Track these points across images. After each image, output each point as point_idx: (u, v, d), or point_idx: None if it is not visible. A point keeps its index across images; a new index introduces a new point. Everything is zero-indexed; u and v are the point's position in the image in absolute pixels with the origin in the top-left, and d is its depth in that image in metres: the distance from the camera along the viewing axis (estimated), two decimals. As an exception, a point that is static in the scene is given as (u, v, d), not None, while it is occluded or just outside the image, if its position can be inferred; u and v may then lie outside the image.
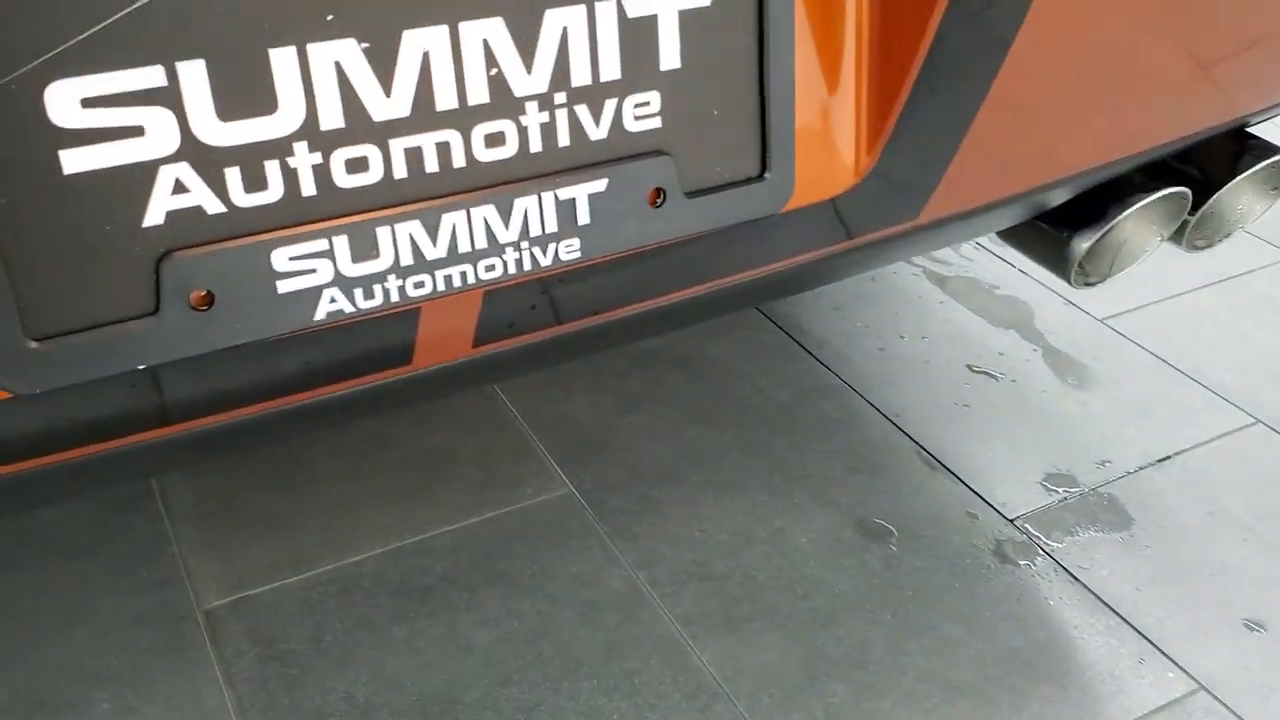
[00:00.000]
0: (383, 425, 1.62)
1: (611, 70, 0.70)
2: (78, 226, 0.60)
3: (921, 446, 1.61)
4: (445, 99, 0.66)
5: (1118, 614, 1.36)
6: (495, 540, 1.44)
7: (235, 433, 0.71)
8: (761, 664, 1.28)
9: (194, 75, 0.60)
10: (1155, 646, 1.32)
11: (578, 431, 1.61)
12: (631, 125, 0.71)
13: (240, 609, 1.34)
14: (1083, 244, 1.14)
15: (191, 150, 0.61)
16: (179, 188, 0.61)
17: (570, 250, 0.71)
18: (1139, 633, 1.33)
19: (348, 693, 1.24)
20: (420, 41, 0.64)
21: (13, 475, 0.63)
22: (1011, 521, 1.49)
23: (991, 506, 1.51)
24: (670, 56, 0.71)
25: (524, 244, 0.70)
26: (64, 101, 0.57)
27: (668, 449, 1.58)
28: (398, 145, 0.66)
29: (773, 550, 1.43)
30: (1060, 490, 1.54)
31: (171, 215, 0.62)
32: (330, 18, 0.62)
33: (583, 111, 0.70)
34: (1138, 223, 1.20)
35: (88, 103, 0.58)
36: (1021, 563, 1.43)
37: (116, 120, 0.59)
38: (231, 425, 0.70)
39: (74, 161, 0.59)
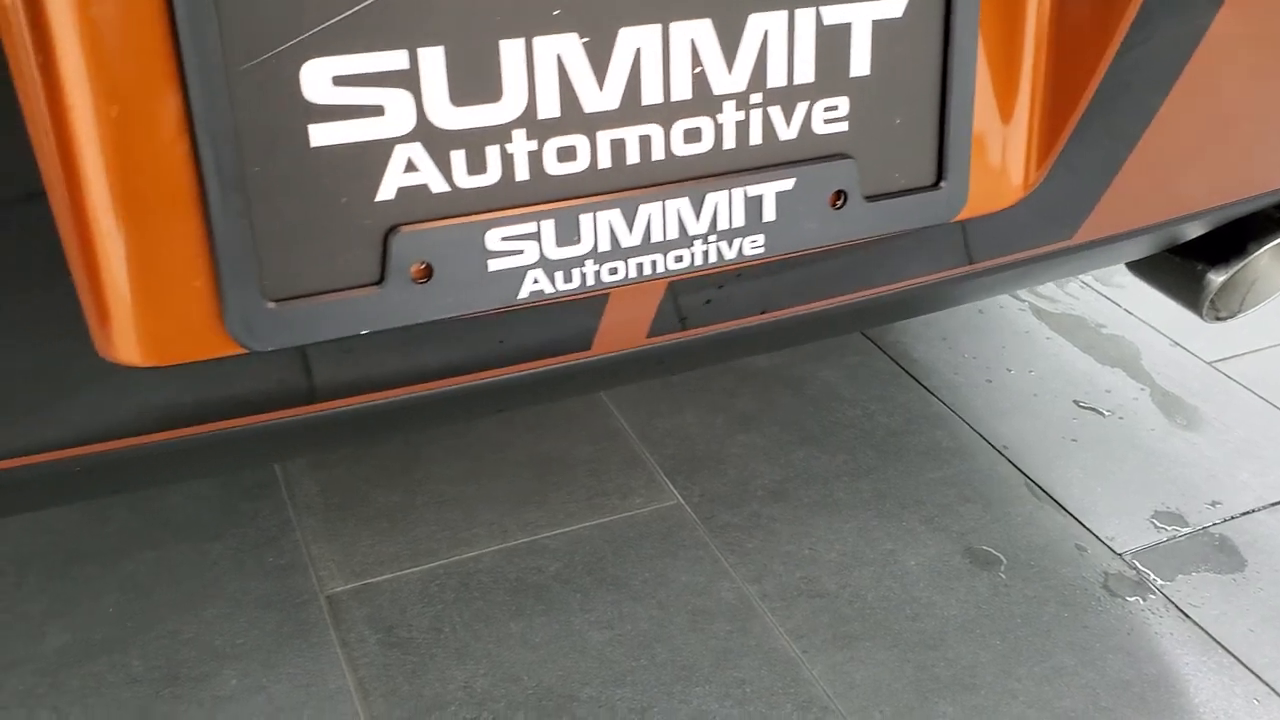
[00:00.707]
0: (496, 430, 1.66)
1: (805, 74, 0.73)
2: (318, 197, 0.64)
3: (1030, 478, 1.61)
4: (651, 94, 0.70)
5: (1231, 653, 1.35)
6: (607, 545, 1.47)
7: (422, 407, 0.75)
8: (872, 680, 1.29)
9: (433, 61, 0.64)
10: (1270, 688, 1.31)
11: (688, 446, 1.64)
12: (820, 128, 0.74)
13: (361, 596, 1.38)
14: (1219, 278, 1.15)
15: (424, 131, 0.65)
16: (410, 166, 0.65)
17: (755, 246, 0.74)
18: (1253, 673, 1.33)
19: (466, 683, 1.27)
20: (634, 38, 0.68)
21: (235, 429, 0.67)
22: (1120, 556, 1.48)
23: (1100, 540, 1.51)
24: (860, 64, 0.74)
25: (712, 237, 0.73)
26: (317, 79, 0.62)
27: (778, 468, 1.60)
28: (604, 136, 0.69)
29: (882, 572, 1.44)
30: (1170, 528, 1.53)
31: (402, 191, 0.66)
32: (556, 12, 0.66)
33: (775, 112, 0.73)
34: (1273, 259, 1.20)
35: (338, 81, 0.62)
36: (1131, 598, 1.42)
37: (361, 99, 0.63)
38: (421, 399, 0.74)
39: (321, 135, 0.63)
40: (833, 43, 0.73)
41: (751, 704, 1.27)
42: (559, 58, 0.67)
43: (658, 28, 0.68)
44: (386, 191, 0.65)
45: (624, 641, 1.33)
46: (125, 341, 0.61)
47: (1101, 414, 1.76)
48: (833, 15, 0.72)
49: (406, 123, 0.64)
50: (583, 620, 1.36)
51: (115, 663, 1.28)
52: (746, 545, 1.47)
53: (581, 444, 1.64)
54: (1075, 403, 1.78)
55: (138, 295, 0.61)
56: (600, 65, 0.68)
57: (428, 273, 0.67)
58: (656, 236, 0.72)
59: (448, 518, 1.50)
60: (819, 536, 1.49)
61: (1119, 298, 2.06)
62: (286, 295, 0.65)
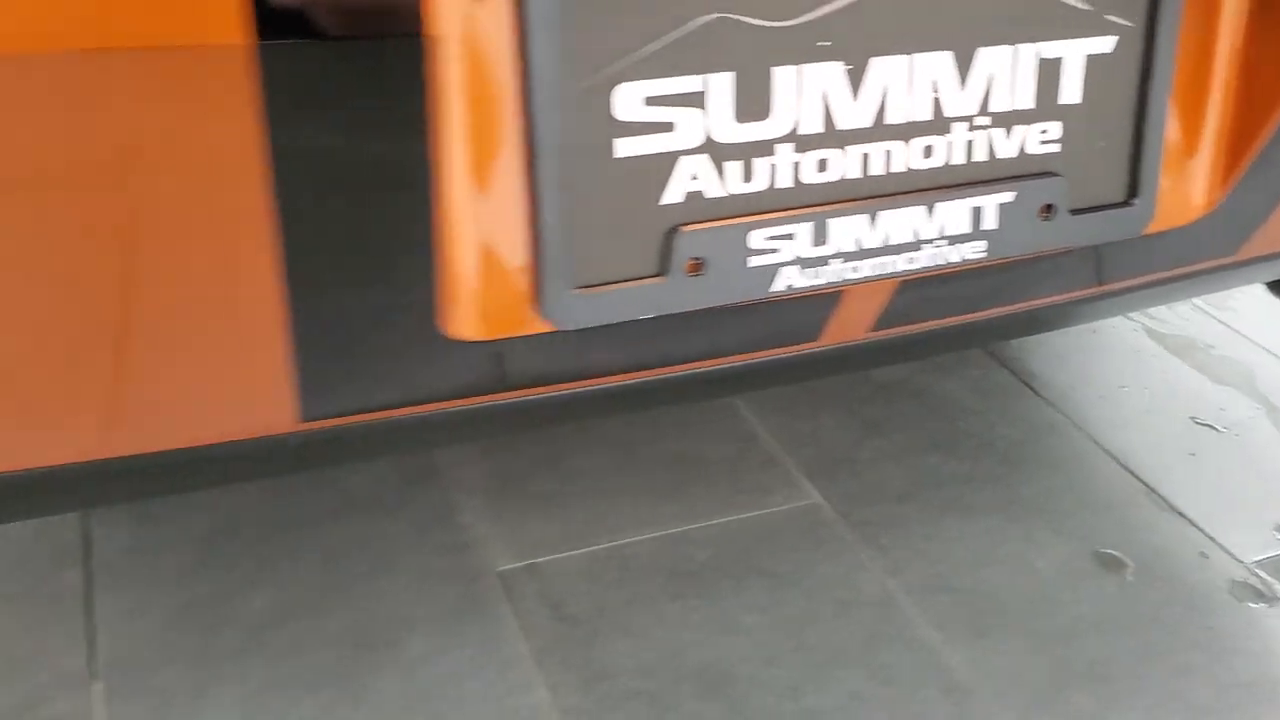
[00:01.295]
0: (634, 429, 1.77)
1: (1025, 101, 0.83)
2: (618, 201, 0.75)
3: (1150, 488, 1.68)
4: (895, 114, 0.80)
5: (1354, 658, 1.42)
6: (751, 538, 1.56)
7: (677, 386, 0.85)
8: (1010, 669, 1.38)
9: (720, 85, 0.74)
10: (1393, 690, 1.37)
11: (823, 449, 1.73)
12: (1034, 148, 0.84)
13: (530, 574, 1.49)
14: (1357, 296, 1.22)
15: (708, 145, 0.76)
16: (693, 175, 0.76)
17: (977, 250, 0.84)
18: (1376, 677, 1.39)
19: (633, 656, 1.38)
20: (885, 67, 0.78)
21: (532, 397, 0.78)
22: (1243, 564, 1.55)
23: (1223, 548, 1.58)
24: (1071, 93, 0.84)
25: (941, 242, 0.83)
26: (627, 99, 0.73)
27: (909, 473, 1.69)
28: (855, 150, 0.80)
29: (1013, 571, 1.52)
30: (1291, 540, 1.60)
31: (685, 196, 0.76)
32: (822, 44, 0.76)
33: (999, 133, 0.83)
34: None
35: (645, 101, 0.73)
36: (1256, 604, 1.49)
37: (659, 117, 0.74)
38: (677, 379, 0.84)
39: (624, 148, 0.74)
40: (1049, 74, 0.82)
41: (897, 686, 1.35)
42: (822, 83, 0.77)
43: (905, 58, 0.78)
44: (672, 196, 0.76)
45: (776, 625, 1.43)
46: (465, 319, 0.72)
47: (1217, 430, 1.82)
48: (1051, 50, 0.82)
49: (694, 137, 0.75)
50: (735, 604, 1.46)
51: (313, 625, 1.40)
52: (883, 542, 1.56)
53: (718, 445, 1.74)
54: (1191, 419, 1.85)
55: (478, 281, 0.72)
56: (855, 89, 0.78)
57: (700, 267, 0.78)
58: (894, 240, 0.82)
59: (599, 507, 1.61)
60: (950, 537, 1.57)
61: (1231, 320, 2.13)
62: (589, 284, 0.75)
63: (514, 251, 0.73)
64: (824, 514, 1.61)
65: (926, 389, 1.88)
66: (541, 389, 0.78)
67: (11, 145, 0.58)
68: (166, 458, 0.73)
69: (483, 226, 0.72)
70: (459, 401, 0.77)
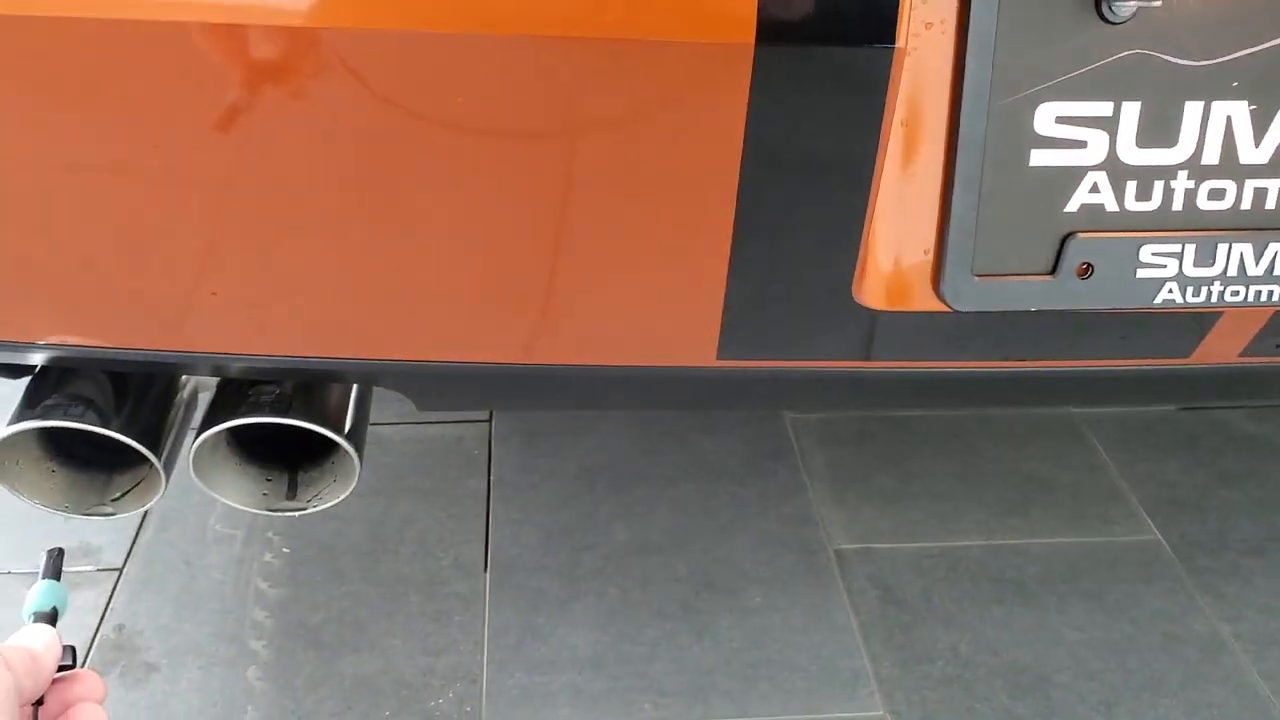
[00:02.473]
0: (984, 442, 1.84)
1: None
2: (1024, 203, 0.85)
3: None
4: (1297, 157, 0.86)
5: None
6: (1084, 562, 1.60)
7: (1052, 381, 0.94)
8: (1342, 735, 1.36)
9: (1130, 112, 0.84)
10: None
11: (1170, 490, 1.74)
12: None
13: (863, 557, 1.60)
14: None
15: (1111, 164, 0.85)
16: (1094, 189, 0.86)
17: (1361, 293, 0.88)
18: None
19: (952, 646, 1.46)
20: (1292, 111, 0.85)
21: (917, 370, 0.90)
22: None
23: None
24: None
25: (1324, 279, 0.88)
26: (1044, 116, 0.83)
27: (1260, 527, 1.67)
28: (1250, 184, 0.86)
29: (1361, 642, 1.49)
30: None
31: (1083, 207, 0.86)
32: (1235, 84, 0.84)
33: (1401, 184, 0.87)
34: None
35: (1059, 119, 0.83)
36: None
37: (1071, 135, 0.84)
38: (1052, 374, 0.94)
39: (1037, 158, 0.84)
40: None
41: (1216, 726, 1.37)
42: (1228, 119, 0.85)
43: (1313, 104, 0.84)
44: (1073, 205, 0.86)
45: (1096, 645, 1.47)
46: (875, 289, 0.86)
47: None
48: None
49: (1100, 155, 0.85)
50: (1058, 619, 1.51)
51: (664, 562, 1.58)
52: (1223, 589, 1.56)
53: (1064, 470, 1.78)
54: None
55: (892, 257, 0.85)
56: (1260, 128, 0.85)
57: (1088, 271, 0.87)
58: (1278, 271, 0.88)
59: (938, 508, 1.70)
60: (1298, 597, 1.55)
61: None
62: (986, 273, 0.87)
63: (925, 237, 0.86)
64: (1163, 553, 1.62)
65: (1291, 450, 1.83)
66: (930, 363, 0.89)
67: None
68: (617, 372, 0.91)
69: (904, 212, 0.85)
70: (855, 363, 0.90)
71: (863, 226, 0.84)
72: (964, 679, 1.42)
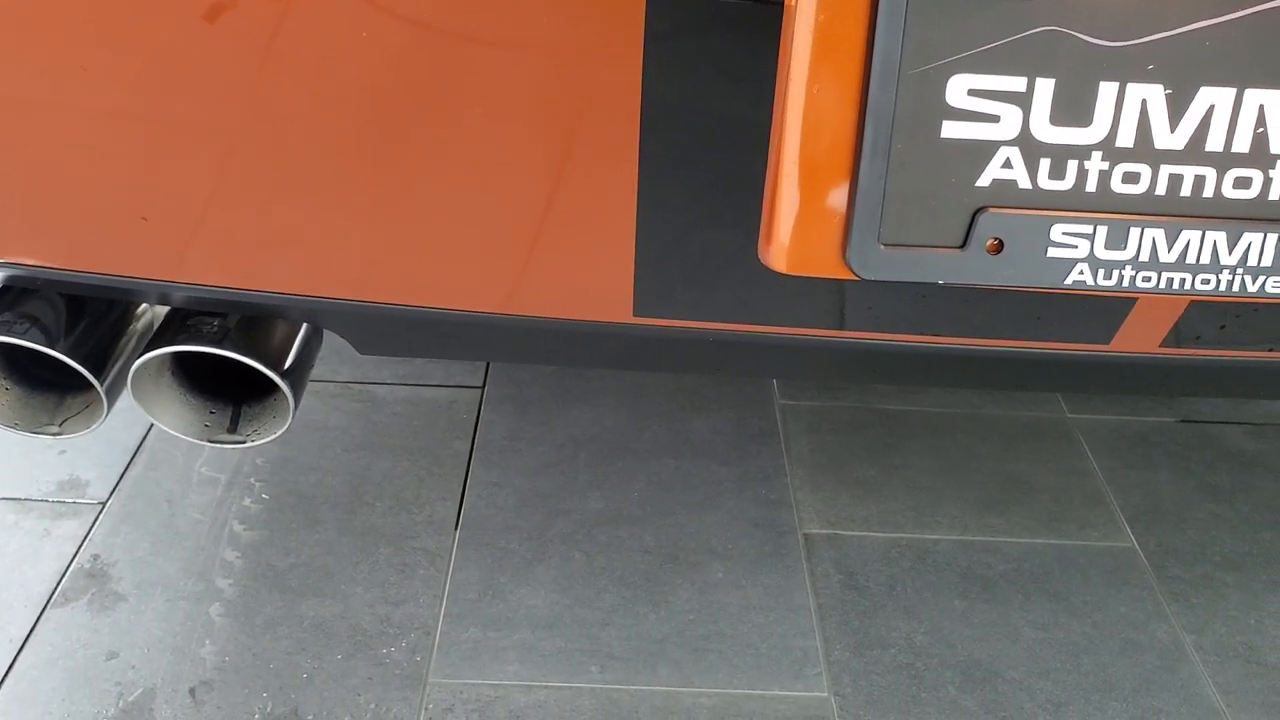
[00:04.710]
0: (971, 441, 1.83)
1: (1358, 150, 0.85)
2: (934, 174, 0.86)
3: None
4: (1214, 143, 0.85)
5: None
6: (1056, 563, 1.59)
7: (958, 361, 0.95)
8: (1294, 752, 1.33)
9: (1044, 89, 0.84)
10: None
11: (1153, 499, 1.72)
12: (1361, 198, 0.86)
13: (832, 542, 1.60)
14: None
15: (1023, 140, 0.85)
16: (1005, 164, 0.86)
17: (1278, 285, 0.88)
18: None
19: (907, 635, 1.46)
20: (1210, 96, 0.84)
21: (820, 338, 0.91)
22: None
23: None
24: None
25: (1240, 270, 0.87)
26: (957, 88, 0.84)
27: (1241, 543, 1.64)
28: (1165, 169, 0.86)
29: (1330, 662, 1.46)
30: None
31: (995, 182, 0.86)
32: (1150, 67, 0.83)
33: (1323, 177, 0.86)
34: None
35: (971, 92, 0.84)
36: None
37: (984, 108, 0.84)
38: (957, 352, 0.94)
39: (949, 130, 0.85)
40: (1390, 127, 0.84)
41: (1165, 733, 1.35)
42: (1144, 102, 0.84)
43: (1232, 91, 0.84)
44: (984, 180, 0.86)
45: (1054, 644, 1.46)
46: (779, 253, 0.87)
47: None
48: (1396, 104, 0.84)
49: (1012, 131, 0.85)
50: (1020, 617, 1.50)
51: (634, 533, 1.59)
52: (1192, 599, 1.54)
53: (1050, 473, 1.77)
54: None
55: (795, 222, 0.86)
56: (1176, 113, 0.85)
57: (999, 247, 0.88)
58: (1190, 259, 0.87)
59: (916, 501, 1.69)
60: (1270, 612, 1.52)
61: None
62: (893, 242, 0.87)
63: (833, 202, 0.86)
64: (1136, 560, 1.60)
65: (1286, 469, 1.80)
66: (832, 332, 0.90)
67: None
68: (542, 324, 0.93)
69: (812, 176, 0.86)
70: (769, 329, 0.91)
71: (766, 187, 0.85)
72: (914, 668, 1.42)
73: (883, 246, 0.88)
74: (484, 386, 1.88)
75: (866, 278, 0.88)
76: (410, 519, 1.60)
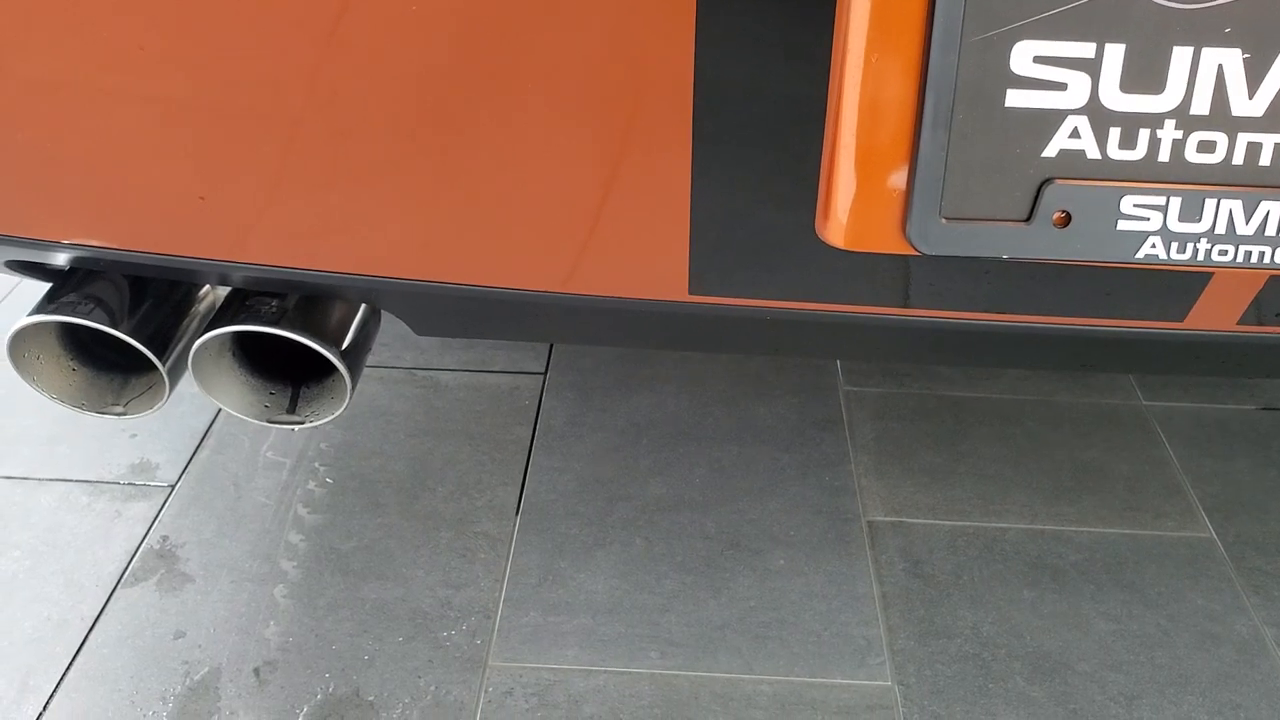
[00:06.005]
0: (1043, 428, 1.78)
1: None
2: (999, 145, 0.83)
3: None
4: (1296, 110, 0.82)
5: None
6: (1130, 553, 1.55)
7: (1029, 338, 0.92)
8: (1381, 750, 1.28)
9: (1114, 55, 0.81)
10: None
11: (1232, 489, 1.66)
12: None
13: (897, 530, 1.58)
14: None
15: (1093, 108, 0.82)
16: (1074, 133, 0.83)
17: (1364, 259, 0.84)
18: None
19: (974, 624, 1.43)
20: (1291, 61, 0.80)
21: (885, 316, 0.89)
22: None
23: None
24: None
25: (1324, 242, 0.84)
26: (1022, 55, 0.81)
27: (1325, 531, 1.59)
28: (1244, 138, 0.82)
29: None
30: None
31: (1062, 152, 0.83)
32: (1227, 30, 0.80)
33: None
34: None
35: (1037, 59, 0.81)
36: None
37: (1051, 75, 0.82)
38: (1029, 330, 0.91)
39: (1014, 99, 0.82)
40: None
41: (1243, 729, 1.31)
42: (1220, 67, 0.81)
43: (1315, 55, 0.80)
44: (1051, 150, 0.83)
45: (1127, 636, 1.42)
46: (837, 228, 0.85)
47: None
48: None
49: (1080, 99, 0.82)
50: (1091, 608, 1.46)
51: (695, 519, 1.58)
52: (1273, 591, 1.49)
53: (1124, 461, 1.72)
54: None
55: (853, 197, 0.84)
56: (1255, 79, 0.81)
57: (1066, 220, 0.85)
58: (1271, 231, 0.84)
59: (984, 489, 1.66)
60: (1356, 606, 1.47)
61: None
62: (956, 216, 0.85)
63: (892, 175, 0.84)
64: (1215, 551, 1.55)
65: (1374, 458, 1.73)
66: (893, 310, 0.88)
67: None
68: (597, 303, 0.92)
69: (871, 149, 0.83)
70: (827, 306, 0.89)
71: (823, 160, 0.83)
72: (981, 658, 1.39)
73: (944, 220, 0.85)
74: (546, 373, 1.88)
75: (928, 253, 0.86)
76: (471, 504, 1.60)
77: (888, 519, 1.60)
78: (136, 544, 1.51)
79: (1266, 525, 1.60)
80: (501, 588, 1.46)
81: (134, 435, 1.71)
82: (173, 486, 1.61)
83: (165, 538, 1.52)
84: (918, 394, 1.86)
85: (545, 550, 1.52)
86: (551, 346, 1.95)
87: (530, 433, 1.74)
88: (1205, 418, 1.81)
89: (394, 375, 1.85)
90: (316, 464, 1.66)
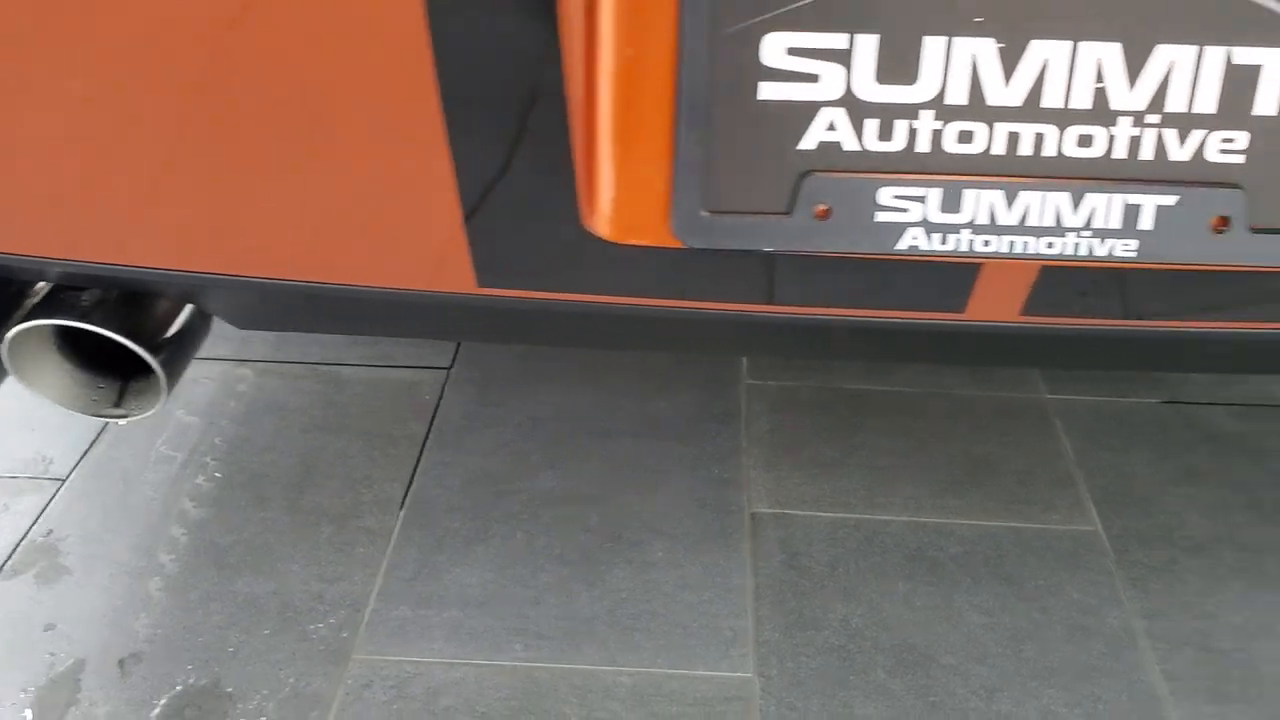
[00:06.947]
0: (941, 421, 1.78)
1: (1206, 105, 0.80)
2: (756, 138, 0.83)
3: None
4: (1051, 99, 0.81)
5: None
6: (1012, 547, 1.54)
7: (802, 329, 0.92)
8: (1236, 743, 1.28)
9: (866, 45, 0.81)
10: None
11: (1124, 483, 1.66)
12: (1212, 156, 0.81)
13: (779, 522, 1.58)
14: None
15: (847, 100, 0.82)
16: (830, 126, 0.83)
17: (1127, 249, 0.83)
18: None
19: (844, 617, 1.43)
20: (1044, 50, 0.80)
21: (648, 307, 0.89)
22: None
23: None
24: (1266, 105, 0.80)
25: (1085, 233, 0.83)
26: (774, 47, 0.81)
27: (1210, 526, 1.58)
28: (1001, 128, 0.82)
29: (1289, 651, 1.39)
30: None
31: (821, 144, 0.84)
32: (979, 20, 0.80)
33: (1169, 134, 0.81)
34: None
35: (790, 51, 0.81)
36: None
37: (803, 68, 0.82)
38: (797, 320, 0.91)
39: (766, 92, 0.82)
40: (1239, 81, 0.80)
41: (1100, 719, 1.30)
42: (974, 57, 0.81)
43: (1068, 44, 0.80)
44: (808, 143, 0.83)
45: (997, 630, 1.42)
46: (602, 221, 0.85)
47: None
48: (1244, 56, 0.79)
49: (835, 91, 0.82)
50: (965, 601, 1.46)
51: (579, 512, 1.58)
52: (1150, 585, 1.48)
53: (1019, 455, 1.72)
54: None
55: (616, 189, 0.84)
56: (1009, 68, 0.81)
57: (827, 214, 0.85)
58: (1032, 221, 0.83)
59: (872, 481, 1.65)
60: (1228, 599, 1.46)
61: None
62: (718, 209, 0.85)
63: (653, 169, 0.84)
64: (1097, 544, 1.55)
65: (1271, 451, 1.72)
66: (665, 301, 0.88)
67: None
68: (393, 295, 0.92)
69: (633, 141, 0.84)
70: (611, 299, 0.89)
71: (577, 152, 0.83)
72: (846, 650, 1.39)
73: (707, 213, 0.86)
74: (451, 367, 1.89)
75: (692, 245, 0.86)
76: (356, 499, 1.61)
77: (771, 511, 1.60)
78: (20, 536, 1.53)
79: (1153, 518, 1.59)
80: (376, 581, 1.47)
81: (33, 430, 1.72)
82: (63, 480, 1.63)
83: (50, 531, 1.54)
84: (818, 387, 1.86)
85: (425, 545, 1.53)
86: (459, 343, 1.96)
87: (426, 428, 1.75)
88: (1106, 411, 1.81)
89: (295, 370, 1.86)
90: (208, 459, 1.67)
